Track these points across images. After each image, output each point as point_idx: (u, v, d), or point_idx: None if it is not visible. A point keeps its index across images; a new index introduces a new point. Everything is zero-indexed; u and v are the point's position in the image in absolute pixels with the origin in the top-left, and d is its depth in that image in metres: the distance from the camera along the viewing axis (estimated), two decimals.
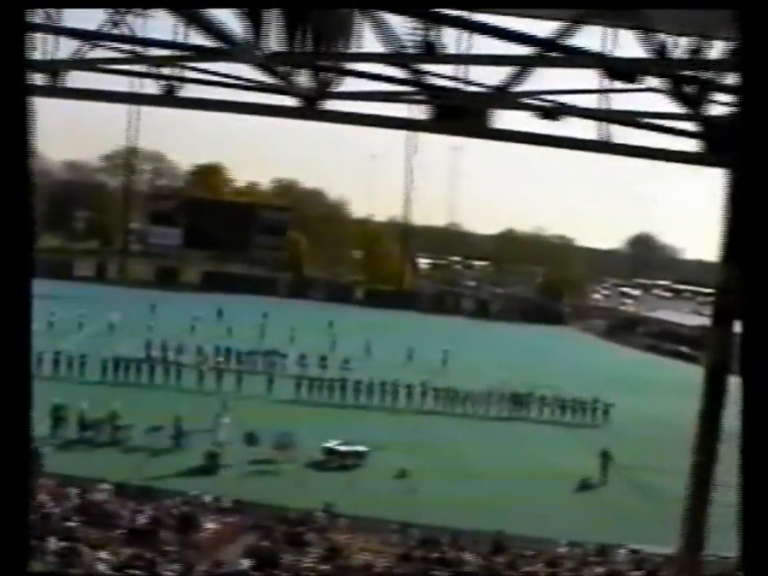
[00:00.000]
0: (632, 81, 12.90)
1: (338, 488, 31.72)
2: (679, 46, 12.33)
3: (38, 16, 14.91)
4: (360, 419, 42.92)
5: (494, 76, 13.73)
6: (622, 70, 12.82)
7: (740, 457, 3.49)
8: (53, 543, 20.50)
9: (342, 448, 36.43)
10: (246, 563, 21.62)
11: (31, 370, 3.48)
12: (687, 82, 12.97)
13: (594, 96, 14.49)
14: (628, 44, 12.69)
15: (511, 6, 13.18)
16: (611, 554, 26.39)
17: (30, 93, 3.38)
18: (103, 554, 20.44)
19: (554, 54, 12.96)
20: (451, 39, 13.44)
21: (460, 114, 14.81)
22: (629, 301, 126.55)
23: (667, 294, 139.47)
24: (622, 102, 14.33)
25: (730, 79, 12.61)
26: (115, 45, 15.86)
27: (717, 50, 12.38)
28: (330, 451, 36.24)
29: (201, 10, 13.49)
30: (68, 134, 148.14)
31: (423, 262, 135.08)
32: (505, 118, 14.96)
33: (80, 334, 58.53)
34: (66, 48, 15.67)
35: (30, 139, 3.37)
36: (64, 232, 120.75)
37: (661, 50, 12.15)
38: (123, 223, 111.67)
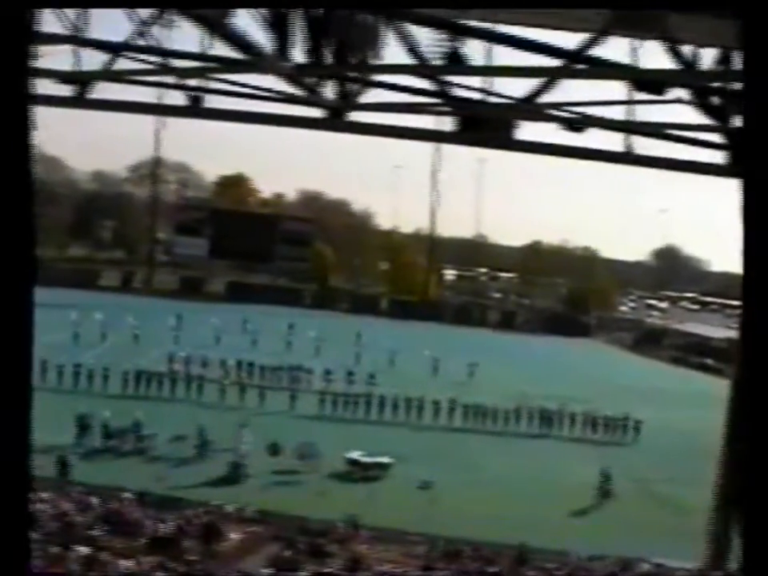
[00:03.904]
0: (658, 92, 12.85)
1: (361, 499, 31.66)
2: (705, 58, 12.29)
3: (65, 28, 15.04)
4: (385, 435, 42.64)
5: (519, 88, 13.72)
6: (648, 82, 12.77)
7: (742, 460, 3.47)
8: (77, 551, 20.57)
9: (366, 459, 36.34)
10: (267, 573, 21.61)
11: (32, 374, 3.49)
12: (713, 94, 12.91)
13: (620, 108, 14.46)
14: (654, 55, 12.64)
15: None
16: (634, 568, 26.17)
17: (32, 94, 3.38)
18: (126, 563, 20.49)
19: (579, 66, 12.94)
20: (476, 51, 13.44)
21: (485, 126, 14.80)
22: (655, 313, 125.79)
23: (694, 307, 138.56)
24: (648, 113, 14.27)
25: None
26: (142, 56, 15.97)
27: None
28: (354, 462, 36.17)
29: (227, 22, 13.55)
30: (95, 144, 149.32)
31: (449, 274, 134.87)
32: (530, 130, 14.95)
33: (103, 345, 58.80)
34: (94, 60, 15.79)
35: (30, 140, 3.38)
36: (90, 242, 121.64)
37: (687, 62, 12.10)
38: (149, 233, 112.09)
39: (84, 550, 20.84)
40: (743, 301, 3.40)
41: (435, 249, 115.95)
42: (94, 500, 26.28)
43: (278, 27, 13.44)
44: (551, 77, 13.08)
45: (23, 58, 3.33)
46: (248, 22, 13.63)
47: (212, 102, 16.74)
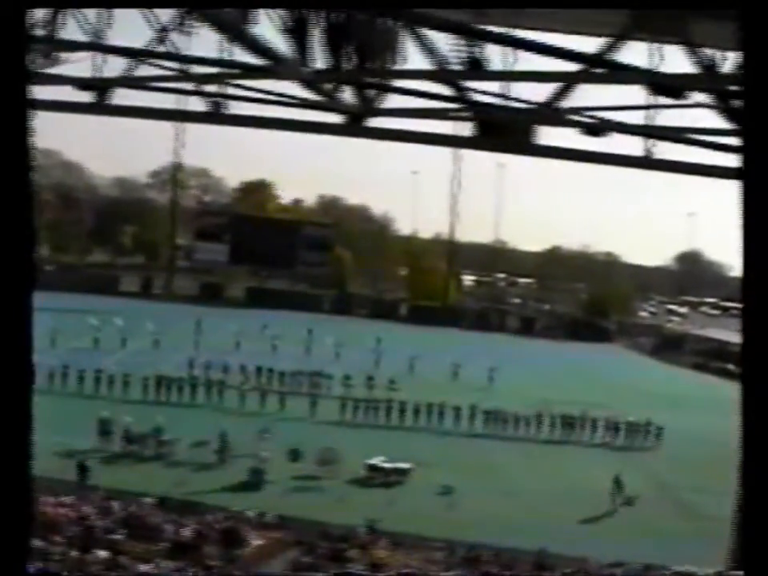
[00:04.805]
0: (678, 96, 12.79)
1: (381, 505, 31.64)
2: (727, 61, 12.20)
3: (86, 34, 15.11)
4: (405, 441, 42.51)
5: (538, 92, 13.68)
6: (668, 86, 12.71)
7: (740, 458, 3.46)
8: (97, 555, 20.65)
9: (386, 465, 36.31)
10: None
11: (33, 376, 3.50)
12: (735, 97, 12.83)
13: (640, 112, 14.40)
14: (674, 59, 12.57)
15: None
16: (655, 574, 26.02)
17: (31, 95, 3.39)
18: (146, 567, 20.54)
19: (599, 70, 12.89)
20: (496, 55, 13.40)
21: (504, 131, 14.78)
22: (676, 318, 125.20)
23: (715, 312, 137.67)
24: (668, 117, 14.21)
25: None
26: (162, 63, 16.02)
27: None
28: (374, 468, 36.14)
29: (246, 28, 13.57)
30: (115, 150, 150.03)
31: (468, 279, 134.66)
32: (550, 135, 14.90)
33: (124, 351, 59.03)
34: (114, 66, 15.86)
35: (30, 142, 3.38)
36: (111, 247, 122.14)
37: (708, 65, 12.03)
38: (169, 239, 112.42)
39: (104, 553, 20.93)
40: (743, 302, 3.39)
41: (455, 254, 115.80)
42: (115, 504, 26.39)
43: (297, 33, 13.46)
44: (570, 81, 13.05)
45: (22, 58, 3.34)
46: (267, 28, 13.65)
47: (232, 108, 16.78)
